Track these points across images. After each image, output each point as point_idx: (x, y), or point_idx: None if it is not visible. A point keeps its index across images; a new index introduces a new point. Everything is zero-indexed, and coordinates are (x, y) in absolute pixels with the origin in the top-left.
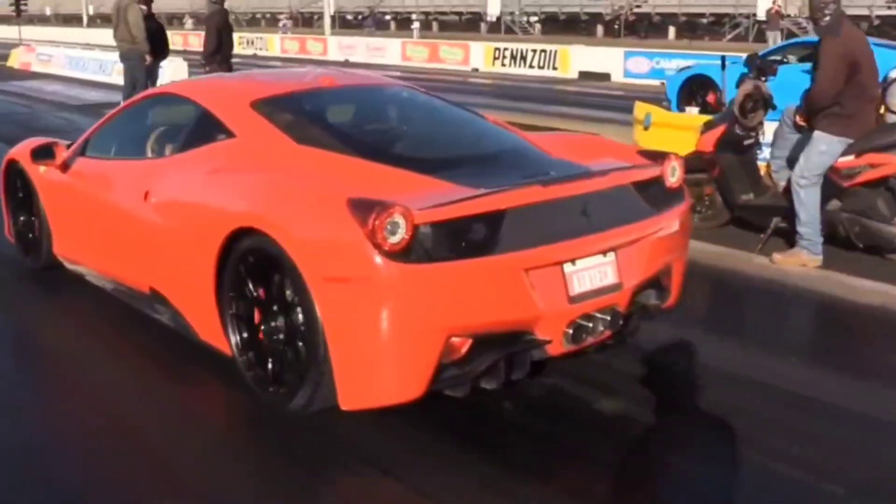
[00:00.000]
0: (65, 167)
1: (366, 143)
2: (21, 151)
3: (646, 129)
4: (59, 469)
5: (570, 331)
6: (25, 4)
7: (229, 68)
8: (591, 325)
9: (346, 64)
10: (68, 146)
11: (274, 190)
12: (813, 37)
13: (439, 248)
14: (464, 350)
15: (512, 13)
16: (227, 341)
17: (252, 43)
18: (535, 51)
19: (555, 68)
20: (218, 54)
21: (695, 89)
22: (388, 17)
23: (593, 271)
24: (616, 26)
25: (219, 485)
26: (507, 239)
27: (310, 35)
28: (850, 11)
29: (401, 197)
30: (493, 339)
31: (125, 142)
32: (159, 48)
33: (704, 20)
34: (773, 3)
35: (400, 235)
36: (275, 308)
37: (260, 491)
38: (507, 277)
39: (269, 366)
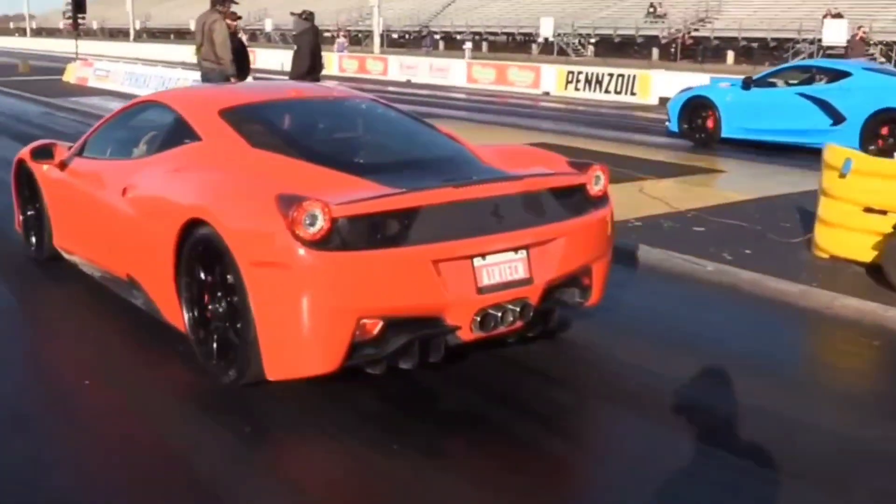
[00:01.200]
0: (63, 166)
1: (312, 148)
2: (28, 152)
3: (842, 176)
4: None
5: (479, 318)
6: (83, 18)
7: None
8: (500, 314)
9: (408, 84)
10: (69, 147)
11: (221, 186)
12: (810, 60)
13: (354, 238)
14: (375, 331)
15: (565, 34)
16: (183, 320)
17: None
18: (611, 75)
19: (633, 93)
20: (309, 76)
21: (694, 111)
22: (437, 37)
23: (503, 266)
24: (672, 50)
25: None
26: (417, 233)
27: (367, 54)
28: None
29: (326, 194)
30: (404, 322)
31: (114, 144)
32: (241, 68)
33: (764, 45)
34: (858, 28)
35: (318, 227)
36: (217, 291)
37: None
38: (415, 267)
39: (213, 342)
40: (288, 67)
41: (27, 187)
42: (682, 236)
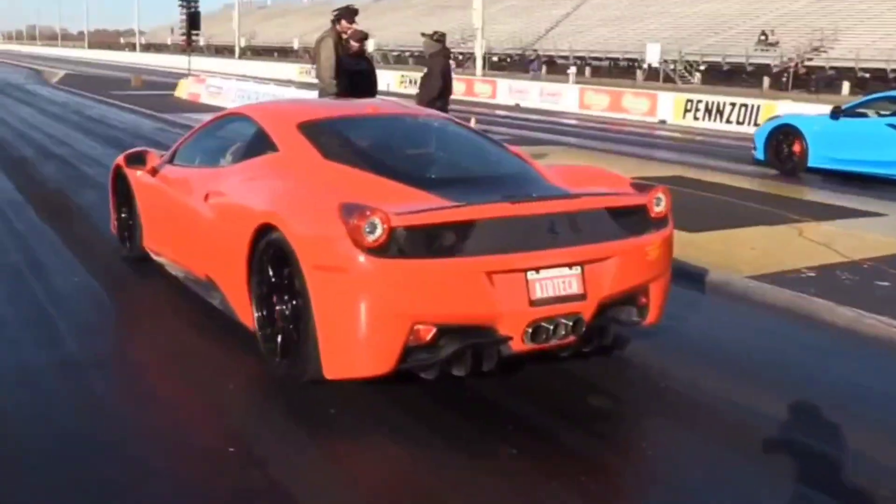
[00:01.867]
0: (154, 172)
1: (381, 161)
2: (123, 158)
3: None
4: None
5: (531, 330)
6: (197, 35)
7: None
8: (552, 327)
9: (517, 108)
10: (161, 155)
11: (291, 194)
12: None
13: (411, 247)
14: (428, 337)
15: (673, 61)
16: (252, 319)
17: (414, 82)
18: (733, 104)
19: (756, 124)
20: (439, 100)
21: (781, 139)
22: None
23: (557, 281)
24: (784, 79)
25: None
26: (472, 245)
27: (474, 77)
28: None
29: (387, 204)
30: (457, 330)
31: (201, 153)
32: (363, 90)
33: (882, 76)
34: None
35: (377, 235)
36: (284, 292)
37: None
38: (469, 278)
39: (278, 340)
40: (403, 88)
41: (122, 191)
42: (866, 291)
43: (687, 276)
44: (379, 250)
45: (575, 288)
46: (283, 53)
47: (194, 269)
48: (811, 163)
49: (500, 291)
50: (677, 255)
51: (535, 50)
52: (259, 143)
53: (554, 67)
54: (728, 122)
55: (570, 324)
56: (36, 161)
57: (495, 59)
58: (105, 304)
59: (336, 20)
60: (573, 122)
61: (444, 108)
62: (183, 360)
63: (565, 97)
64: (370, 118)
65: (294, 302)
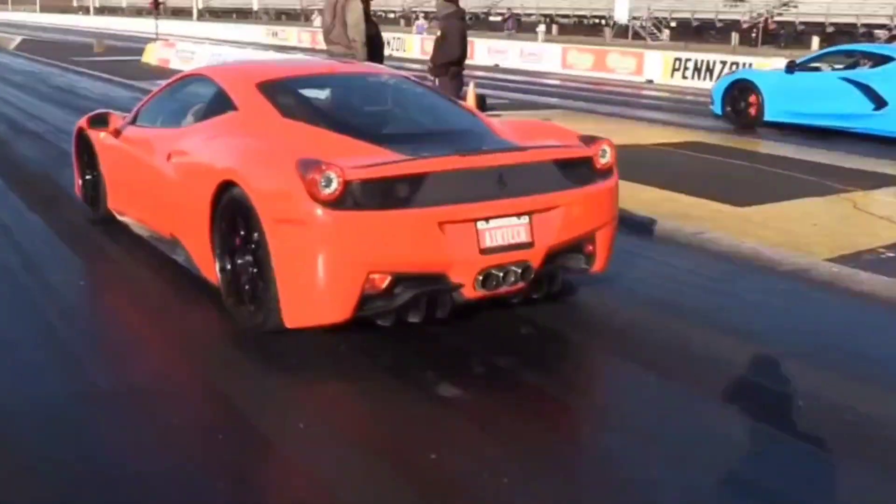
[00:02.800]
0: (117, 134)
1: (336, 118)
2: (86, 120)
3: None
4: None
5: (481, 277)
6: None
7: (460, 84)
8: (501, 274)
9: (497, 69)
10: (124, 117)
11: (250, 151)
12: (854, 45)
13: (365, 199)
14: (384, 285)
15: (642, 18)
16: (215, 274)
17: (389, 44)
18: (723, 62)
19: None
20: (455, 65)
21: (737, 94)
22: (500, 19)
23: (506, 230)
24: (753, 35)
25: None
26: (424, 196)
27: None
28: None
29: (342, 159)
30: (411, 278)
31: (163, 113)
32: (375, 56)
33: (852, 30)
34: None
35: (333, 188)
36: (245, 246)
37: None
38: (421, 228)
39: (240, 293)
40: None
41: (86, 153)
42: None
43: (764, 264)
44: (335, 203)
45: (523, 236)
46: (242, 15)
47: (158, 227)
48: (767, 116)
49: (451, 240)
50: (745, 237)
51: (509, 8)
52: (219, 103)
53: (520, 26)
54: (718, 79)
55: (520, 271)
56: (10, 139)
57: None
58: (76, 264)
59: None
60: (556, 82)
61: (459, 74)
62: (153, 314)
63: (546, 57)
64: (328, 77)
65: (255, 255)
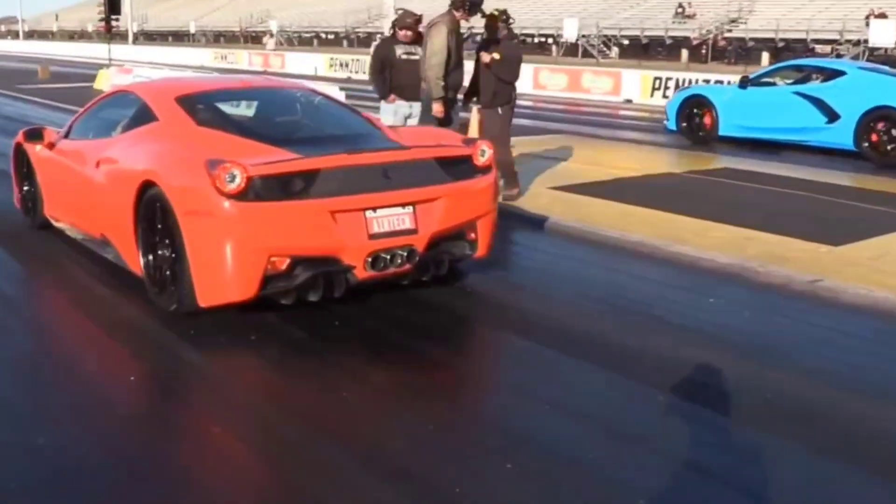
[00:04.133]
0: (52, 147)
1: (244, 125)
2: (22, 134)
3: None
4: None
5: (370, 259)
6: (117, 20)
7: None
8: (388, 257)
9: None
10: (58, 132)
11: (167, 155)
12: (806, 60)
13: (266, 193)
14: (283, 267)
15: (591, 36)
16: (140, 266)
17: (345, 65)
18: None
19: None
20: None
21: (692, 110)
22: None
23: (392, 218)
24: (703, 51)
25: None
26: (317, 190)
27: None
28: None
29: (245, 158)
30: (308, 260)
31: (93, 127)
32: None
33: (803, 45)
34: None
35: (237, 183)
36: (164, 238)
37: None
38: (315, 216)
39: (161, 279)
40: (325, 70)
41: (23, 166)
42: None
43: None
44: (239, 196)
45: (407, 224)
46: (178, 38)
47: (90, 229)
48: (722, 131)
49: (342, 227)
50: (872, 284)
51: (471, 27)
52: (142, 115)
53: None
54: None
55: (405, 254)
56: None
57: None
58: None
59: (460, 4)
60: (528, 103)
61: (513, 104)
62: (84, 301)
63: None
64: (241, 91)
65: (172, 246)
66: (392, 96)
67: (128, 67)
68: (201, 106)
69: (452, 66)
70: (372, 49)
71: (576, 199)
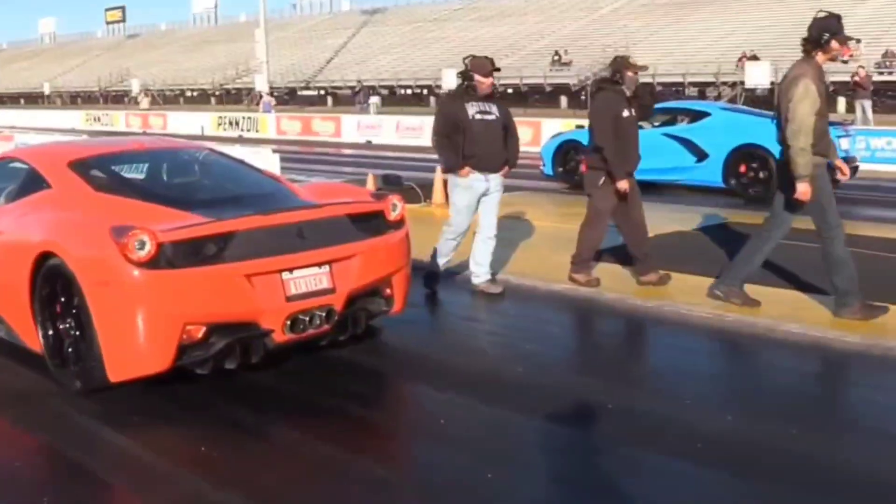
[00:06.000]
0: None
1: (146, 189)
2: None
3: None
4: None
5: (289, 322)
6: None
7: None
8: (307, 318)
9: (369, 146)
10: None
11: (67, 224)
12: (671, 103)
13: (177, 259)
14: (199, 335)
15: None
16: (39, 341)
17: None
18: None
19: None
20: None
21: (567, 155)
22: (318, 93)
23: (309, 278)
24: (582, 97)
25: None
26: (231, 253)
27: (312, 113)
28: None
29: (153, 224)
30: (224, 327)
31: None
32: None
33: (679, 89)
34: (859, 68)
35: (147, 250)
36: (67, 311)
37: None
38: (230, 281)
39: (65, 355)
40: (213, 129)
41: None
42: None
43: None
44: (149, 264)
45: (325, 283)
46: (32, 100)
47: None
48: None
49: (258, 291)
50: None
51: (360, 81)
52: (32, 183)
53: (337, 98)
54: None
55: (324, 314)
56: None
57: (276, 94)
58: None
59: (823, 41)
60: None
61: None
62: None
63: (427, 130)
64: (135, 153)
65: (76, 319)
66: (466, 168)
67: (7, 134)
68: (96, 171)
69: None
70: (437, 108)
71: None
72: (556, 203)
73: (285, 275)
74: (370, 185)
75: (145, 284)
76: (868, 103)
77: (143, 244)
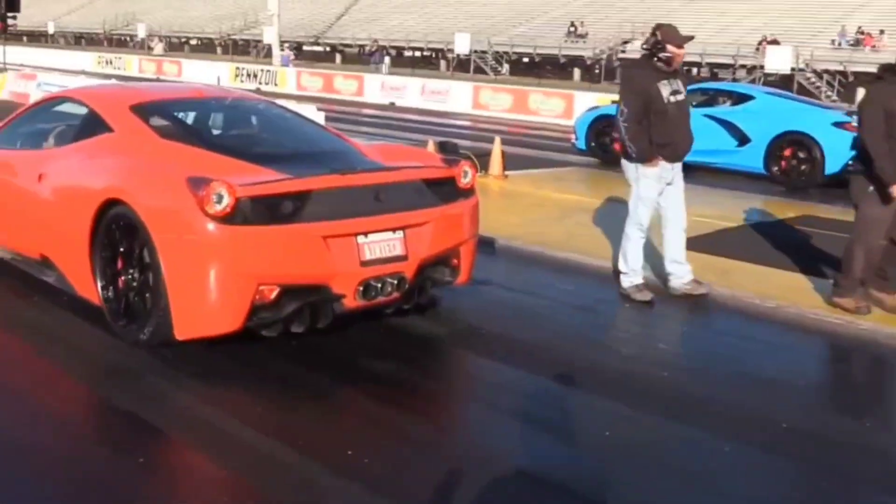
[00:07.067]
0: None
1: (214, 139)
2: None
3: None
4: None
5: (362, 288)
6: (14, 17)
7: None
8: (380, 285)
9: (393, 108)
10: None
11: (136, 171)
12: (712, 83)
13: (255, 216)
14: (272, 296)
15: (481, 52)
16: (97, 292)
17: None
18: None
19: None
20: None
21: (602, 129)
22: (324, 49)
23: (383, 244)
24: (597, 70)
25: None
26: (309, 213)
27: (334, 70)
28: None
29: (230, 177)
30: (297, 289)
31: (28, 136)
32: None
33: (697, 68)
34: None
35: (224, 205)
36: (132, 262)
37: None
38: (308, 241)
39: (126, 308)
40: (231, 81)
41: None
42: None
43: None
44: (226, 218)
45: (398, 250)
46: (34, 39)
47: (25, 249)
48: None
49: (334, 254)
50: None
51: (376, 40)
52: (92, 125)
53: (346, 56)
54: None
55: (395, 282)
56: None
57: (287, 47)
58: None
59: None
60: (466, 123)
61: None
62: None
63: (454, 96)
64: (198, 101)
65: (143, 271)
66: (657, 159)
67: (30, 73)
68: (159, 117)
69: None
70: (622, 85)
71: (720, 264)
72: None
73: (360, 238)
74: (430, 150)
75: (221, 240)
76: None
77: (220, 198)
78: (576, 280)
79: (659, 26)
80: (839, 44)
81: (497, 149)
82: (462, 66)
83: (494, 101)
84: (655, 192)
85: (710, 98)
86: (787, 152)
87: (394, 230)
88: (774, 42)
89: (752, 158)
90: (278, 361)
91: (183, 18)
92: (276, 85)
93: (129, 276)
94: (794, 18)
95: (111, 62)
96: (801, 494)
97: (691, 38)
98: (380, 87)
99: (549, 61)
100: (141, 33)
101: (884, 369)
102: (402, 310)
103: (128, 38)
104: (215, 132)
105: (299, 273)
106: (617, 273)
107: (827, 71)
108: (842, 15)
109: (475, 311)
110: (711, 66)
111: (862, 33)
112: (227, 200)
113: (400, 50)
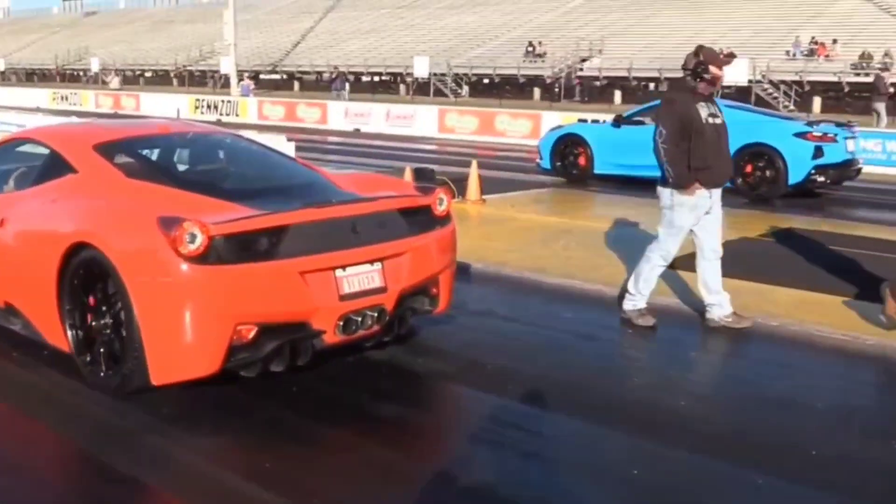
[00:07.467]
0: None
1: (183, 176)
2: None
3: None
4: None
5: (342, 323)
6: None
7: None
8: (360, 319)
9: (358, 134)
10: None
11: (103, 213)
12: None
13: (229, 254)
14: (250, 336)
15: (440, 74)
16: (66, 339)
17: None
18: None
19: None
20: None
21: (566, 148)
22: (281, 77)
23: (362, 276)
24: (556, 90)
25: None
26: (285, 248)
27: (296, 98)
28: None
29: (202, 216)
30: (276, 327)
31: None
32: None
33: (657, 83)
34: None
35: (197, 244)
36: (103, 307)
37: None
38: (284, 278)
39: (98, 355)
40: (191, 112)
41: None
42: None
43: None
44: (200, 258)
45: (377, 282)
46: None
47: None
48: (597, 170)
49: (312, 289)
50: None
51: (336, 67)
52: (55, 167)
53: (304, 83)
54: None
55: (376, 315)
56: None
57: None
58: None
59: None
60: (433, 147)
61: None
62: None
63: (419, 120)
64: (163, 137)
65: (115, 316)
66: (695, 185)
67: None
68: (124, 155)
69: None
70: (662, 107)
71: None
72: (618, 204)
73: (338, 272)
74: (408, 178)
75: (196, 281)
76: (882, 105)
77: (193, 237)
78: (575, 307)
79: (701, 48)
80: (794, 54)
81: (474, 173)
82: (422, 90)
83: (460, 123)
84: (689, 222)
85: None
86: (749, 165)
87: (372, 262)
88: (731, 55)
89: None
90: (257, 399)
91: (137, 52)
92: (237, 115)
93: (101, 322)
94: (750, 31)
95: (66, 98)
96: None
97: (733, 57)
98: (343, 114)
99: (509, 81)
100: (94, 67)
101: (894, 381)
102: (381, 343)
103: (81, 73)
104: (183, 169)
105: (277, 311)
106: (622, 295)
107: (783, 81)
108: (795, 26)
109: (474, 345)
110: (670, 80)
111: (816, 43)
112: (200, 240)
113: (358, 75)
